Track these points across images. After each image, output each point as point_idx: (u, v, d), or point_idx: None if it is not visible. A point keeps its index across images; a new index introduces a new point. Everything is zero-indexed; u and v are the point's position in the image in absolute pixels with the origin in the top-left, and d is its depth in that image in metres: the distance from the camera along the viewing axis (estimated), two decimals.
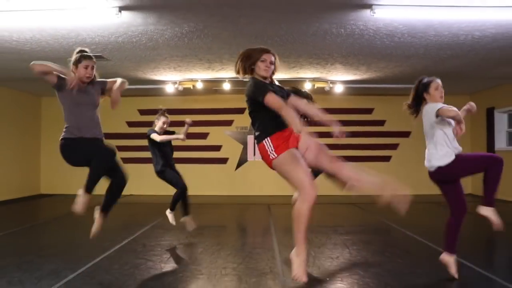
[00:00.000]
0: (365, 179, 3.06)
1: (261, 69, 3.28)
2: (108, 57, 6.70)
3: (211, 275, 3.56)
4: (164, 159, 5.30)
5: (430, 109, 3.51)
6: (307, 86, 8.72)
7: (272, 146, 3.01)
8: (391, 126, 10.80)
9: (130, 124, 10.78)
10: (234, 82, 8.63)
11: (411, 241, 5.04)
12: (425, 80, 3.67)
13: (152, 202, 9.09)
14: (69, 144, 3.40)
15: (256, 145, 3.24)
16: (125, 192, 11.05)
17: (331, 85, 8.74)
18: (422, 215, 7.45)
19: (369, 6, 4.45)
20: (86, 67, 3.51)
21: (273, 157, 2.97)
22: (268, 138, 3.03)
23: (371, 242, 4.96)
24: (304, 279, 3.01)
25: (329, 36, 5.57)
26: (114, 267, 3.80)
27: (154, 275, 3.62)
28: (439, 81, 3.63)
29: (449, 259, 3.42)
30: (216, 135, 10.75)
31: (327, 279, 3.47)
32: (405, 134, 10.84)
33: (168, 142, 5.36)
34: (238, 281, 3.40)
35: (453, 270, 3.38)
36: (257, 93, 3.09)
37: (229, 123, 10.71)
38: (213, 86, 9.08)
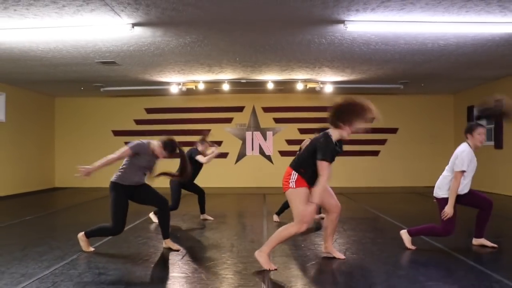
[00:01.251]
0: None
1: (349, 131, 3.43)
2: (119, 63, 7.55)
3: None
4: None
5: (460, 155, 4.05)
6: (299, 87, 9.55)
7: (295, 179, 3.49)
8: (379, 122, 11.55)
9: (138, 122, 11.65)
10: (232, 83, 9.47)
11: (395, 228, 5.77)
12: (473, 124, 4.12)
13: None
14: None
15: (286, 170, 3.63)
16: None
17: (321, 85, 9.56)
18: (404, 203, 8.28)
19: (342, 22, 5.27)
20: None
21: (292, 186, 3.48)
22: (297, 175, 3.49)
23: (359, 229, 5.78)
24: (273, 267, 3.53)
25: (313, 44, 6.40)
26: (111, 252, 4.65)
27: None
28: (483, 129, 4.05)
29: (481, 241, 4.29)
30: (217, 131, 11.57)
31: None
32: (393, 131, 11.64)
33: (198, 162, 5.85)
34: (230, 248, 4.26)
35: (488, 243, 4.26)
36: (321, 152, 3.34)
37: (229, 120, 11.57)
38: (213, 87, 9.92)
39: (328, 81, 9.49)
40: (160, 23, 5.37)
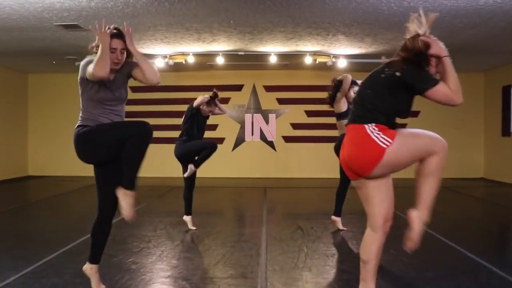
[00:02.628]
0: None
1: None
2: (85, 26, 6.06)
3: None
4: None
5: None
6: (307, 61, 8.04)
7: (380, 133, 2.18)
8: None
9: None
10: (228, 56, 7.96)
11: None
12: None
13: (145, 185, 8.60)
14: None
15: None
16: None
17: (333, 60, 8.04)
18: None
19: None
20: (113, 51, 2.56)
21: (386, 143, 2.14)
22: (377, 125, 2.22)
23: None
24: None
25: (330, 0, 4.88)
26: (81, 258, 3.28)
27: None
28: None
29: None
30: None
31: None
32: (414, 114, 10.13)
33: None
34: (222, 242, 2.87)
35: None
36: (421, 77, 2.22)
37: (225, 101, 9.97)
38: (206, 61, 8.43)
39: (341, 54, 7.96)
40: None
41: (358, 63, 8.55)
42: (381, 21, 5.78)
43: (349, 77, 4.34)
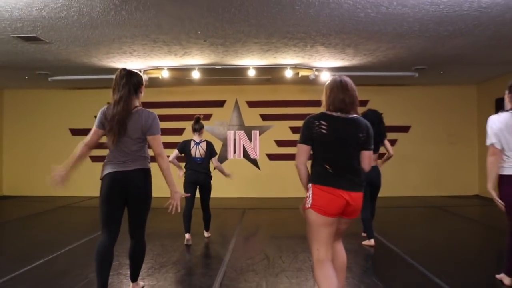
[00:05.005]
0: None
1: None
2: (45, 39, 5.68)
3: None
4: None
5: None
6: (288, 74, 7.64)
7: None
8: (388, 119, 9.61)
9: None
10: (205, 70, 7.57)
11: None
12: None
13: None
14: None
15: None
16: (94, 193, 9.75)
17: (316, 73, 7.64)
18: (416, 223, 6.36)
19: None
20: None
21: None
22: None
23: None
24: None
25: (298, 5, 4.48)
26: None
27: None
28: None
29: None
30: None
31: None
32: (404, 129, 9.72)
33: None
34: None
35: None
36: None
37: (207, 117, 9.62)
38: (183, 76, 8.03)
39: (324, 67, 7.57)
40: None
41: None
42: (360, 30, 5.38)
43: None
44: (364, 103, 9.70)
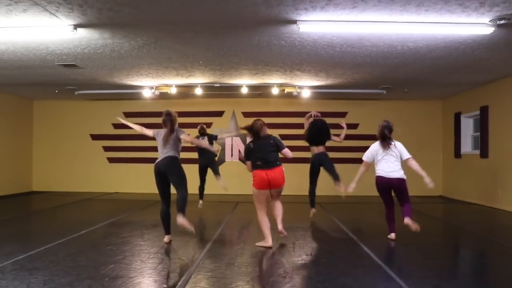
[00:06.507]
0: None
1: None
2: (81, 66, 7.30)
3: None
4: None
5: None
6: (274, 91, 9.21)
7: None
8: (364, 129, 11.19)
9: (116, 126, 11.38)
10: (206, 87, 9.16)
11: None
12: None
13: (134, 199, 9.68)
14: None
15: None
16: (111, 190, 11.88)
17: (298, 90, 9.21)
18: (377, 214, 7.87)
19: (294, 22, 4.93)
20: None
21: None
22: None
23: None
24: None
25: (274, 47, 6.06)
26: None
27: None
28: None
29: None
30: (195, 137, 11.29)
31: None
32: (374, 137, 11.21)
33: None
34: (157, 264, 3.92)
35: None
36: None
37: (208, 125, 11.19)
38: (188, 91, 9.62)
39: (305, 85, 9.14)
40: (102, 24, 5.08)
41: (321, 93, 9.73)
42: (324, 61, 6.95)
43: None
44: (343, 114, 11.29)
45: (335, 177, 6.69)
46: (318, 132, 6.72)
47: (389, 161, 5.26)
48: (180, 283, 3.33)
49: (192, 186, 6.17)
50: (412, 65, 7.14)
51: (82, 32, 5.34)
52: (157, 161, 4.91)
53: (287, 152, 5.04)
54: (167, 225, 4.99)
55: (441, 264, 4.09)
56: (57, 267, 3.76)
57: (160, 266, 3.88)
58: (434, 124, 11.28)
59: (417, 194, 11.14)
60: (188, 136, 5.15)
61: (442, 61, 6.82)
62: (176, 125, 5.06)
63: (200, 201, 8.13)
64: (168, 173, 4.82)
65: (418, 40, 5.71)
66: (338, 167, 7.29)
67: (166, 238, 4.99)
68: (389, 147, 5.27)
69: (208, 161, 8.08)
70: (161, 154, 4.93)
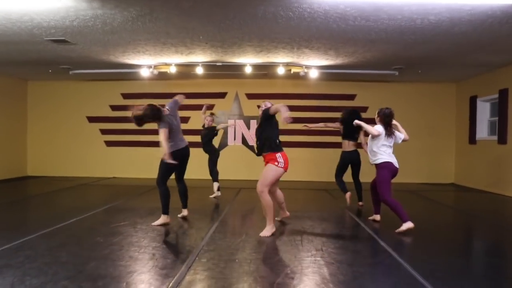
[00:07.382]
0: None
1: None
2: (72, 41, 6.76)
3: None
4: None
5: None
6: (280, 71, 8.65)
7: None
8: (374, 112, 10.61)
9: (114, 107, 10.89)
10: (207, 66, 8.62)
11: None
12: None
13: (132, 184, 9.26)
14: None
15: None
16: (108, 174, 11.35)
17: (306, 70, 8.65)
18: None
19: None
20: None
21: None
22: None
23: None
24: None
25: (280, 19, 5.49)
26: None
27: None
28: None
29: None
30: (197, 119, 10.74)
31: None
32: None
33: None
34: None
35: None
36: None
37: (210, 107, 10.71)
38: (189, 70, 9.08)
39: (313, 65, 8.57)
40: None
41: (329, 73, 9.16)
42: (335, 37, 6.38)
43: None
44: (352, 97, 10.73)
45: (359, 196, 6.80)
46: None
47: (390, 151, 5.30)
48: (170, 286, 2.87)
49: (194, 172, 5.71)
50: (430, 42, 6.56)
51: (68, 1, 4.80)
52: (180, 146, 5.09)
53: None
54: (186, 199, 5.50)
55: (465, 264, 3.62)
56: (32, 264, 3.31)
57: (150, 263, 3.42)
58: (447, 108, 10.71)
59: (427, 182, 10.73)
60: (163, 134, 4.87)
61: (463, 38, 6.24)
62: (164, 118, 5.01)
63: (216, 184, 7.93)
64: (185, 161, 5.25)
65: (441, 12, 5.13)
66: (339, 152, 6.85)
67: (185, 212, 5.52)
68: (393, 135, 5.27)
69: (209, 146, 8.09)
70: (180, 140, 5.14)
